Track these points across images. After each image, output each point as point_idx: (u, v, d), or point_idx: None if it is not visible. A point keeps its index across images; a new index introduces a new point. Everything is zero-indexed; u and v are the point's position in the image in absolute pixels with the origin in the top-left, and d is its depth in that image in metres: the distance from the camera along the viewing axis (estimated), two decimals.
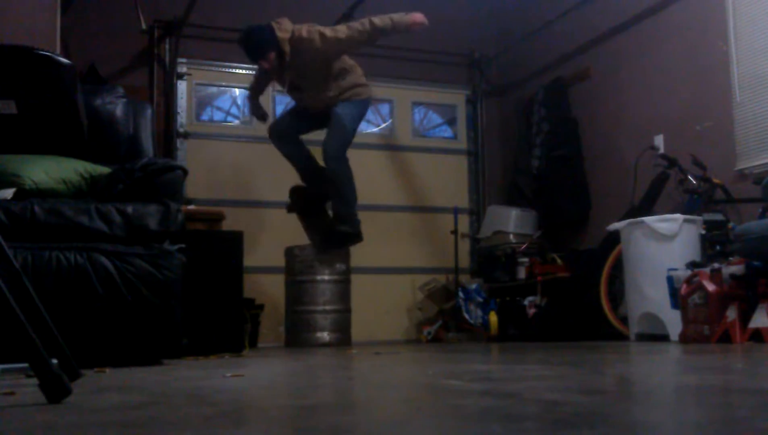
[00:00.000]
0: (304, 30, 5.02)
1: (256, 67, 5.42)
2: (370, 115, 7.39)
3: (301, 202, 5.57)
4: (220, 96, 7.06)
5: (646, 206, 5.20)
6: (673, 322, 4.30)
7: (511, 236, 6.57)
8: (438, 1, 7.42)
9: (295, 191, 5.63)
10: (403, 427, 1.14)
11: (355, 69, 5.37)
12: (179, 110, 6.61)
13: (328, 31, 5.05)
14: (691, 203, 4.86)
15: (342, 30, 5.09)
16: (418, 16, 5.04)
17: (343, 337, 5.68)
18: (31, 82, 2.54)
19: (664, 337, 4.44)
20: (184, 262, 3.33)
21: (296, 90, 5.32)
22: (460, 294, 6.46)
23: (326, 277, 5.70)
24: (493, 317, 6.15)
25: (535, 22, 6.84)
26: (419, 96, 7.49)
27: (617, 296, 5.16)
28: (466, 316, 6.35)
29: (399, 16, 5.06)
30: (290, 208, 5.62)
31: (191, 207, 5.36)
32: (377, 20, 5.03)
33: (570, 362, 2.64)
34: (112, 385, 2.15)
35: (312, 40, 4.98)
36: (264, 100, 6.95)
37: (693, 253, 4.47)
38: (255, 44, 5.07)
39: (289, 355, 4.35)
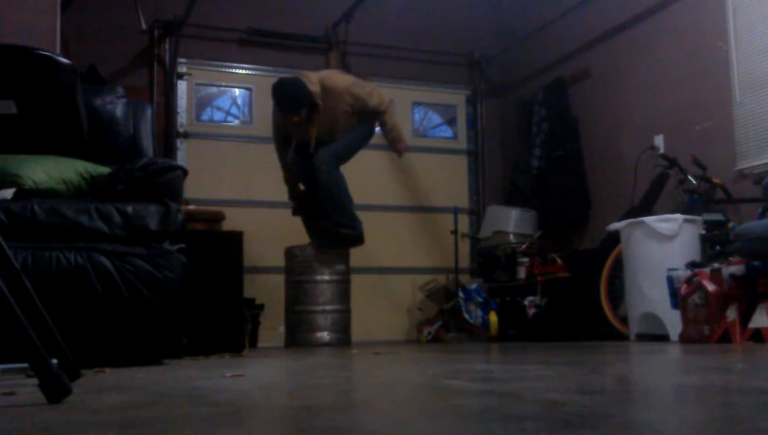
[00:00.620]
0: (331, 81, 5.18)
1: (273, 114, 5.49)
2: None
3: (306, 205, 5.61)
4: (220, 96, 7.06)
5: (646, 206, 5.20)
6: (673, 322, 4.30)
7: (511, 236, 6.57)
8: (438, 1, 7.43)
9: (298, 196, 5.68)
10: (403, 427, 1.14)
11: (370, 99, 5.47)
12: (179, 110, 6.62)
13: (358, 90, 5.25)
14: (691, 203, 4.86)
15: (376, 95, 5.31)
16: (405, 146, 5.60)
17: (343, 337, 5.68)
18: (31, 82, 2.54)
19: (664, 337, 4.44)
20: (184, 262, 3.33)
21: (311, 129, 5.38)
22: (460, 294, 6.46)
23: (326, 277, 5.70)
24: (493, 317, 6.15)
25: (535, 22, 6.85)
26: (419, 96, 7.49)
27: (617, 296, 5.16)
28: (466, 316, 6.35)
29: (400, 132, 5.58)
30: (296, 211, 5.68)
31: (191, 207, 5.36)
32: (394, 113, 5.47)
33: (570, 362, 2.64)
34: (112, 385, 2.15)
35: (341, 95, 5.18)
36: (263, 99, 6.98)
37: (693, 253, 4.47)
38: (290, 99, 5.13)
39: (289, 355, 4.35)
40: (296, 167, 5.48)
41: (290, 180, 5.63)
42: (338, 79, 5.28)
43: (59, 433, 1.18)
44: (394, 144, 5.52)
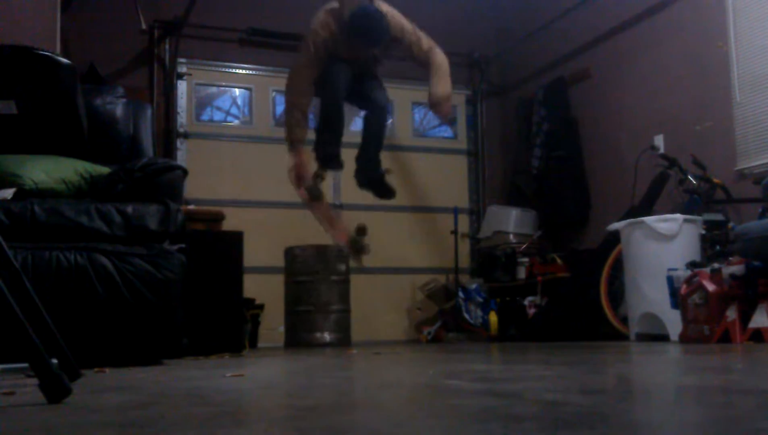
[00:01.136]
0: (395, 20, 4.63)
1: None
2: None
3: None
4: (220, 96, 7.06)
5: (646, 206, 5.20)
6: (673, 322, 4.30)
7: (511, 236, 6.57)
8: (438, 1, 7.43)
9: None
10: (403, 427, 1.14)
11: None
12: (179, 110, 6.62)
13: (415, 33, 4.73)
14: (691, 203, 4.86)
15: (425, 37, 4.77)
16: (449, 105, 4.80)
17: (343, 337, 5.68)
18: (31, 82, 2.54)
19: (664, 337, 4.44)
20: (184, 262, 3.33)
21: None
22: (460, 294, 6.46)
23: (326, 277, 5.70)
24: (493, 317, 6.15)
25: (535, 22, 6.85)
26: (419, 96, 7.46)
27: (617, 296, 5.16)
28: (466, 316, 6.35)
29: (449, 81, 4.81)
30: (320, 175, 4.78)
31: (191, 207, 5.36)
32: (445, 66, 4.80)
33: (570, 362, 2.64)
34: (112, 385, 2.15)
35: (401, 32, 4.65)
36: (263, 99, 6.98)
37: (693, 253, 4.47)
38: (377, 30, 4.48)
39: (289, 355, 4.35)
40: (338, 79, 4.61)
41: (301, 121, 4.64)
42: (398, 18, 4.72)
43: (59, 433, 1.18)
44: (441, 100, 4.70)
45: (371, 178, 4.94)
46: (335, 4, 4.63)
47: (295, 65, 4.74)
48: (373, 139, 4.86)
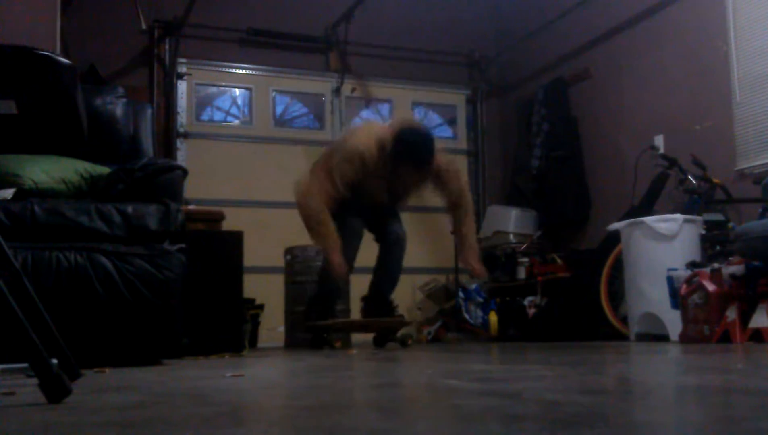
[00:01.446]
0: (444, 163, 4.72)
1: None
2: (370, 114, 7.41)
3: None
4: (220, 96, 7.07)
5: (646, 206, 5.20)
6: (673, 322, 4.30)
7: (511, 236, 6.57)
8: (438, 1, 7.43)
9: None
10: (403, 427, 1.14)
11: None
12: (179, 110, 6.62)
13: (463, 186, 4.91)
14: (691, 203, 4.86)
15: (467, 196, 4.97)
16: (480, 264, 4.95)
17: (343, 338, 5.68)
18: (31, 82, 2.54)
19: (664, 337, 4.44)
20: (184, 262, 3.33)
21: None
22: (460, 294, 6.46)
23: None
24: (493, 317, 6.15)
25: (535, 22, 6.85)
26: (419, 96, 7.49)
27: (617, 296, 5.16)
28: (466, 316, 6.35)
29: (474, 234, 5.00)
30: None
31: (191, 207, 5.36)
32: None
33: (570, 362, 2.64)
34: (112, 385, 2.15)
35: (450, 181, 4.78)
36: (263, 99, 6.97)
37: (693, 253, 4.47)
38: (431, 148, 4.49)
39: (289, 355, 4.35)
40: (352, 243, 4.76)
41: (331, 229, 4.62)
42: (443, 153, 4.82)
43: (59, 433, 1.18)
44: (468, 251, 4.90)
45: (379, 310, 5.00)
46: (381, 132, 4.54)
47: (318, 185, 4.55)
48: (388, 275, 5.01)
